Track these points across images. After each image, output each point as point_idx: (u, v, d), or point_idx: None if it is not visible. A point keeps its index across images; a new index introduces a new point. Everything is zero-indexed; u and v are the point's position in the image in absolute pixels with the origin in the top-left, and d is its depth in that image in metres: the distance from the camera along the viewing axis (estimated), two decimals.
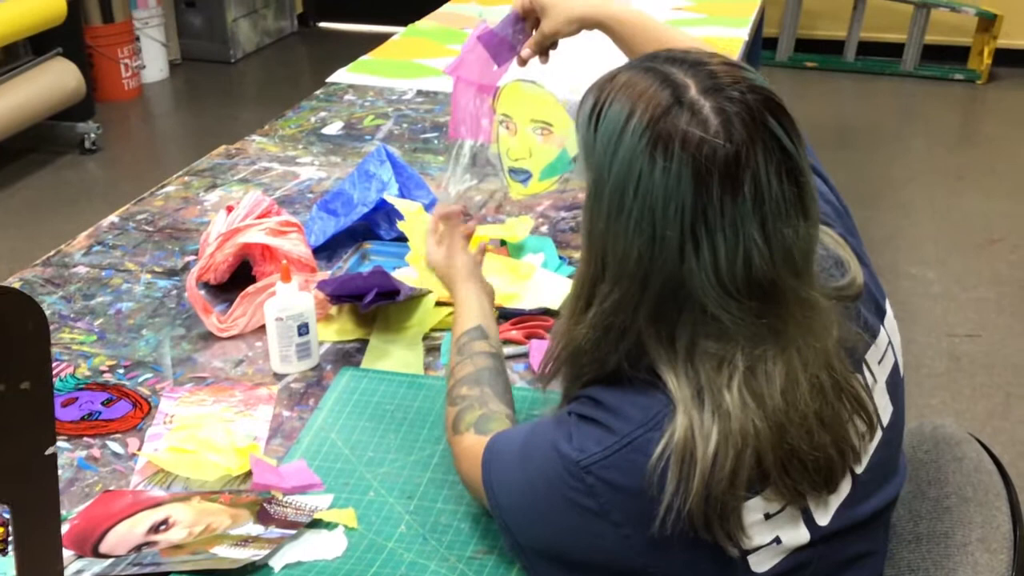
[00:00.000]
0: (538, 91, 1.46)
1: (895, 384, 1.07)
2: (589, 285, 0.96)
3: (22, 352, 0.65)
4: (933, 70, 5.51)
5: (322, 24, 6.69)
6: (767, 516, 0.93)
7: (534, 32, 1.55)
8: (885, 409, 1.04)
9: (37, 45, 4.48)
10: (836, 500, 0.97)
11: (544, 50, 1.56)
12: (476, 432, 1.12)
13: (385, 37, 3.17)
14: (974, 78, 5.44)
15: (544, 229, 1.84)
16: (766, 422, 0.89)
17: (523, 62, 1.57)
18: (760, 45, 4.21)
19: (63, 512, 1.19)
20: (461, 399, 1.16)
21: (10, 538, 1.15)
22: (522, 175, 1.40)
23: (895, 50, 5.57)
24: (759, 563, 0.94)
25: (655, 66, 0.93)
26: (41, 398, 0.67)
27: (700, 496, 0.88)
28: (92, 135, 4.62)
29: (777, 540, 0.94)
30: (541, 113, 1.41)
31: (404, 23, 3.32)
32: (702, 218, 0.87)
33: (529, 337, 1.52)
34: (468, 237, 1.41)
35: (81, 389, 1.43)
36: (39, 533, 0.72)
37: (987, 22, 5.37)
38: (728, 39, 3.08)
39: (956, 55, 5.57)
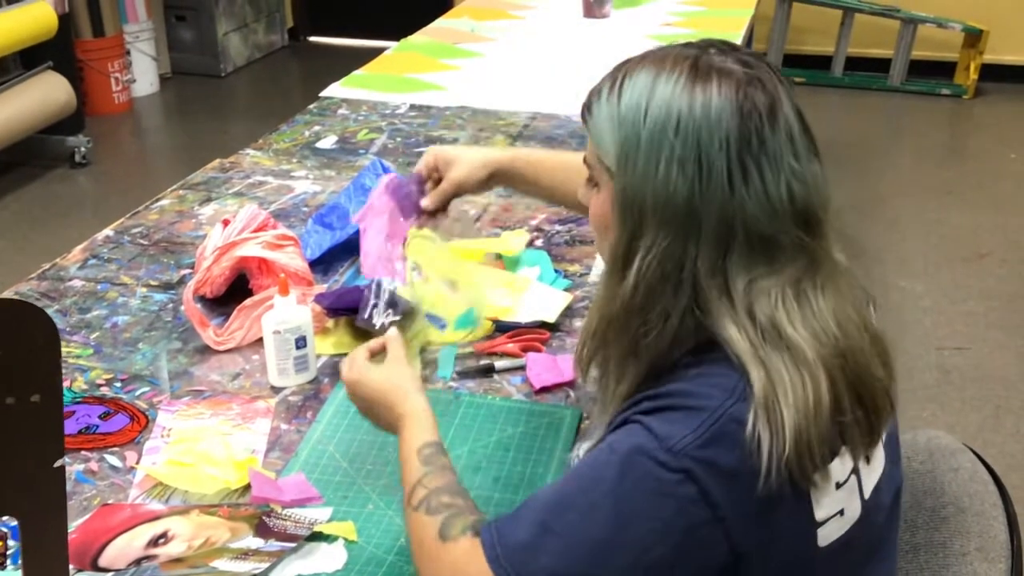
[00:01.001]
0: (440, 246, 1.50)
1: None
2: (625, 245, 0.96)
3: (32, 364, 0.65)
4: (920, 85, 5.55)
5: (312, 38, 6.70)
6: (838, 485, 0.94)
7: (441, 183, 1.57)
8: None
9: (28, 59, 4.48)
10: (875, 474, 1.00)
11: (447, 201, 1.58)
12: (475, 535, 0.98)
13: (376, 51, 3.18)
14: (961, 93, 5.49)
15: (539, 243, 1.85)
16: (831, 349, 0.92)
17: (428, 214, 1.58)
18: None
19: (67, 536, 1.19)
20: (444, 507, 1.02)
21: (9, 552, 1.16)
22: (439, 322, 1.42)
23: (882, 65, 5.61)
24: (824, 536, 0.94)
25: (667, 48, 0.99)
26: (50, 410, 0.67)
27: (793, 437, 0.88)
28: (82, 149, 4.62)
29: (841, 512, 0.95)
30: (446, 269, 1.44)
31: (395, 37, 3.33)
32: (747, 147, 0.92)
33: (525, 350, 1.53)
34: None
35: (78, 403, 1.42)
36: (46, 546, 0.72)
37: (973, 37, 5.42)
38: None
39: (943, 70, 5.61)
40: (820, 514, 0.93)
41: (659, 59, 0.97)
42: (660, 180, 0.93)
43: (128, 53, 5.37)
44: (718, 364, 0.93)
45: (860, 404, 0.94)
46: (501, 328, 1.57)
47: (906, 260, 3.77)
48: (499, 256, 1.76)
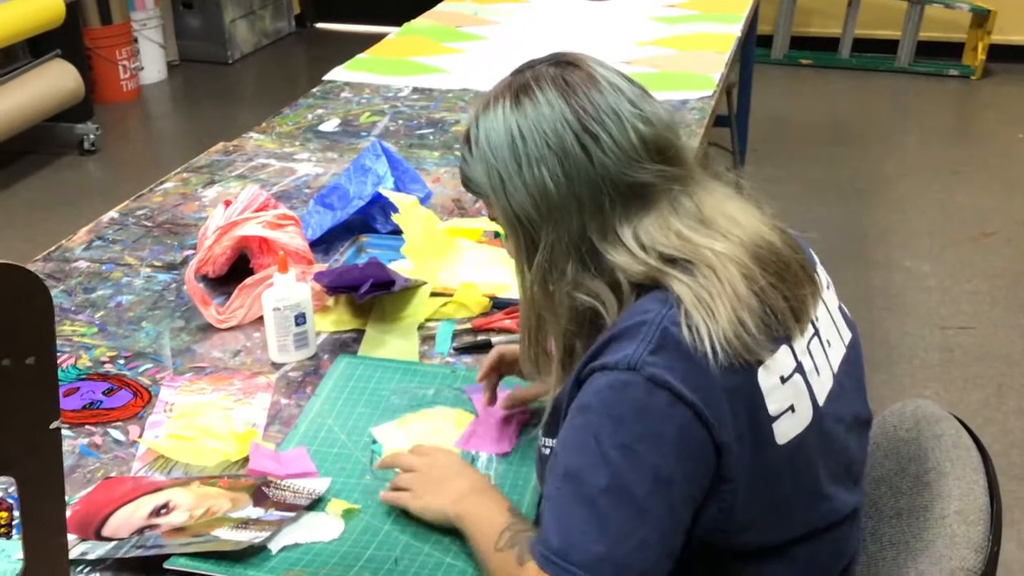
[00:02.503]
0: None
1: (847, 316, 1.20)
2: (527, 249, 1.08)
3: (27, 328, 0.67)
4: (928, 66, 5.54)
5: (319, 25, 6.71)
6: (783, 379, 1.02)
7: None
8: (845, 333, 1.18)
9: (36, 47, 4.51)
10: (825, 385, 1.08)
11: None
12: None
13: (382, 37, 3.20)
14: (968, 74, 5.47)
15: None
16: (733, 240, 1.04)
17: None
18: (754, 42, 4.24)
19: (66, 498, 1.21)
20: (518, 541, 1.06)
21: (15, 522, 1.19)
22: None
23: (890, 46, 5.59)
24: (781, 434, 1.02)
25: (489, 90, 1.13)
26: (46, 373, 0.70)
27: (727, 317, 0.98)
28: (91, 136, 4.65)
29: (792, 409, 1.03)
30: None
31: (401, 23, 3.34)
32: (585, 114, 1.04)
33: None
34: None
35: (83, 379, 1.45)
36: (45, 504, 0.75)
37: (981, 18, 5.40)
38: (721, 35, 3.11)
39: (950, 51, 5.59)
40: (772, 407, 1.01)
41: (486, 101, 1.11)
42: (532, 184, 1.05)
43: (136, 41, 5.40)
44: (644, 296, 1.04)
45: (780, 280, 1.04)
46: (498, 305, 1.59)
47: (911, 240, 3.77)
48: (497, 235, 1.78)
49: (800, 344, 1.06)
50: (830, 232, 3.82)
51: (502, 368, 1.36)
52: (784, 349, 1.03)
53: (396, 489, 1.19)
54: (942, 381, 2.96)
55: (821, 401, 1.07)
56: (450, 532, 1.14)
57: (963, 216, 3.96)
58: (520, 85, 1.08)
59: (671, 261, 1.03)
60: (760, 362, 1.00)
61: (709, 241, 1.03)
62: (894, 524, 1.11)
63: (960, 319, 3.27)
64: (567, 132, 1.04)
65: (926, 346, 3.11)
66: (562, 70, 1.08)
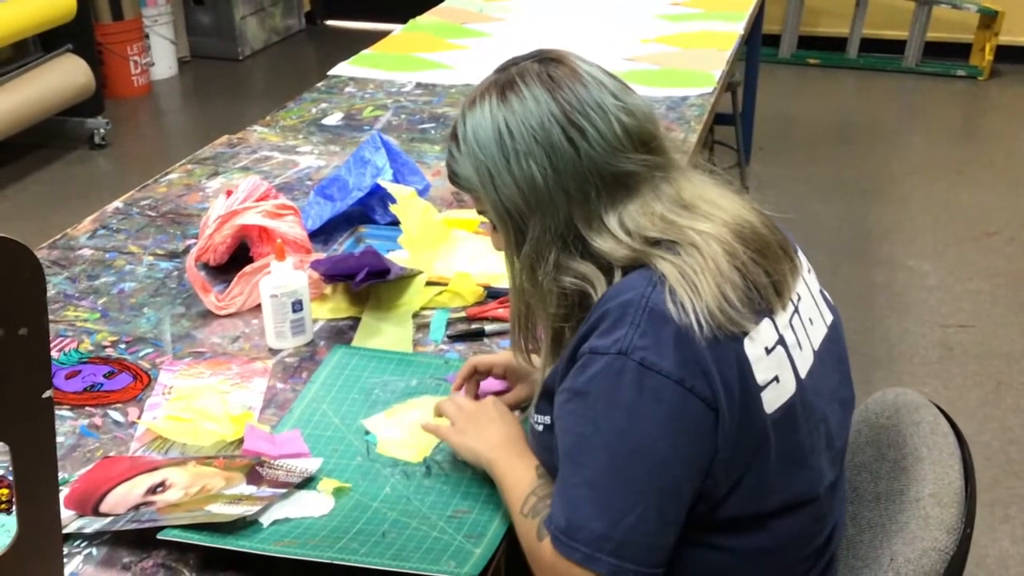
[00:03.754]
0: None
1: (828, 301, 1.23)
2: (515, 240, 1.12)
3: (19, 299, 0.70)
4: (935, 66, 5.54)
5: (329, 22, 6.75)
6: (767, 351, 1.06)
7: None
8: (827, 315, 1.21)
9: (47, 42, 4.55)
10: (807, 360, 1.12)
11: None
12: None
13: (390, 35, 3.23)
14: (976, 74, 5.47)
15: None
16: (715, 221, 1.07)
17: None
18: (759, 41, 4.25)
19: (65, 476, 1.25)
20: (540, 511, 1.10)
21: (15, 498, 1.22)
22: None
23: (897, 47, 5.60)
24: (769, 403, 1.05)
25: (476, 87, 1.16)
26: (38, 343, 0.73)
27: (711, 292, 1.02)
28: (102, 131, 4.69)
29: (777, 379, 1.06)
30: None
31: (407, 21, 3.37)
32: (571, 108, 1.08)
33: None
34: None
35: (84, 363, 1.48)
36: (37, 472, 0.78)
37: (988, 19, 5.40)
38: (724, 33, 3.13)
39: (958, 52, 5.60)
40: (760, 377, 1.05)
41: (472, 98, 1.14)
42: (520, 177, 1.09)
43: (147, 36, 5.44)
44: (629, 276, 1.08)
45: (761, 256, 1.08)
46: (492, 294, 1.62)
47: (915, 239, 3.79)
48: (494, 226, 1.80)
49: (782, 319, 1.09)
50: (834, 230, 3.84)
51: (477, 376, 1.38)
52: (767, 322, 1.07)
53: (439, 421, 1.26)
54: (941, 378, 2.97)
55: (803, 374, 1.10)
56: (438, 510, 1.17)
57: (966, 215, 3.97)
58: (506, 82, 1.11)
59: (655, 243, 1.07)
60: (745, 333, 1.04)
61: (691, 222, 1.07)
62: (872, 508, 1.13)
63: (961, 317, 3.28)
64: (554, 126, 1.07)
65: (926, 344, 3.13)
66: (546, 66, 1.11)
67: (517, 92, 1.10)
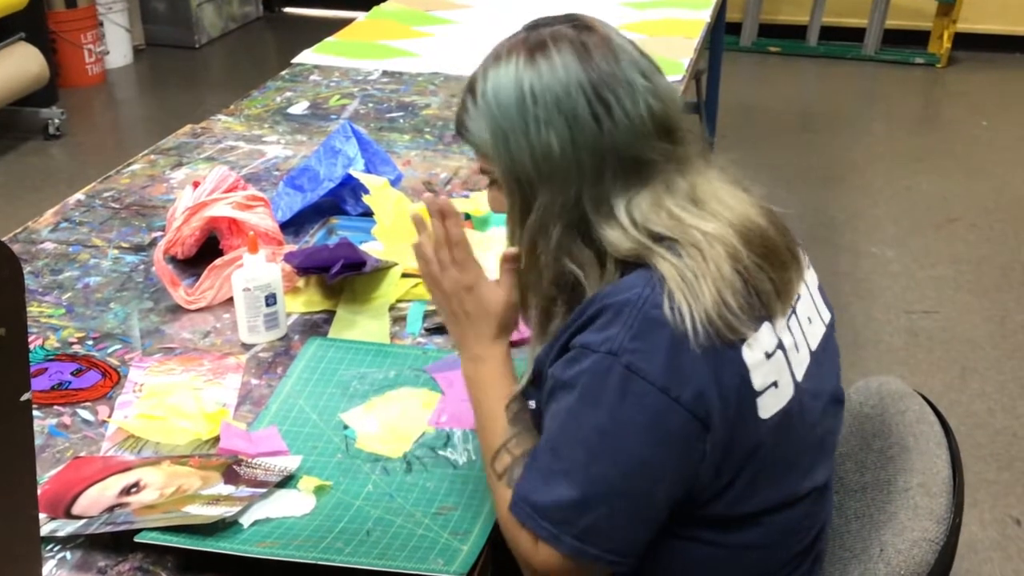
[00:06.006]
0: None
1: (826, 298, 1.21)
2: (520, 212, 1.08)
3: None
4: (894, 54, 5.59)
5: (287, 9, 6.66)
6: (767, 355, 1.03)
7: None
8: (824, 313, 1.19)
9: None
10: (803, 361, 1.10)
11: None
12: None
13: (350, 22, 3.18)
14: (934, 62, 5.52)
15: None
16: (722, 222, 1.04)
17: None
18: (723, 30, 4.25)
19: (36, 470, 1.21)
20: (513, 478, 1.10)
21: None
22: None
23: (857, 34, 5.64)
24: (765, 408, 1.03)
25: (502, 42, 1.10)
26: (16, 344, 0.69)
27: (710, 297, 0.99)
28: (56, 121, 4.59)
29: (775, 384, 1.04)
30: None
31: (368, 9, 3.32)
32: (601, 83, 1.03)
33: None
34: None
35: (51, 360, 1.44)
36: (16, 477, 0.74)
37: (946, 7, 5.45)
38: (690, 21, 3.13)
39: (916, 39, 5.65)
40: (757, 383, 1.02)
41: (497, 53, 1.09)
42: (537, 146, 1.04)
43: (101, 24, 5.33)
44: (630, 273, 1.04)
45: (766, 261, 1.05)
46: None
47: (877, 226, 3.81)
48: (468, 216, 1.78)
49: (781, 322, 1.07)
50: (797, 218, 3.85)
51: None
52: (766, 327, 1.05)
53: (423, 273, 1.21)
54: (907, 364, 3.00)
55: (800, 378, 1.09)
56: (422, 507, 1.15)
57: (928, 202, 4.01)
58: (536, 43, 1.06)
59: (659, 239, 1.03)
60: (743, 339, 1.01)
61: (698, 221, 1.04)
62: (859, 498, 1.13)
63: (925, 303, 3.32)
64: (580, 97, 1.03)
65: (891, 330, 3.15)
66: (580, 33, 1.06)
67: (547, 56, 1.05)
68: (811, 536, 1.13)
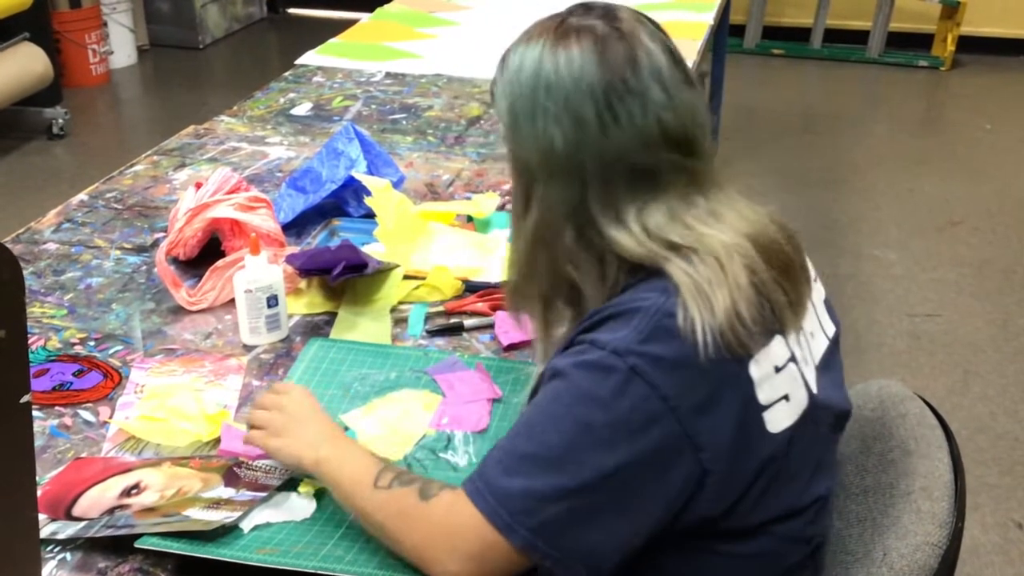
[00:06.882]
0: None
1: (831, 311, 1.20)
2: (522, 200, 1.08)
3: None
4: (898, 57, 5.58)
5: (291, 10, 6.67)
6: (777, 369, 1.02)
7: None
8: (828, 326, 1.17)
9: (3, 30, 4.44)
10: (812, 374, 1.08)
11: None
12: (453, 489, 1.04)
13: (354, 23, 3.19)
14: (938, 65, 5.52)
15: (510, 206, 1.87)
16: (738, 235, 1.03)
17: None
18: (727, 32, 4.25)
19: (36, 471, 1.21)
20: (416, 479, 1.07)
21: None
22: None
23: (861, 37, 5.64)
24: (773, 421, 1.01)
25: (540, 20, 1.09)
26: (16, 346, 0.69)
27: (724, 310, 0.97)
28: (60, 120, 4.60)
29: (787, 397, 1.02)
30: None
31: (372, 10, 3.33)
32: (613, 93, 1.01)
33: (494, 309, 1.55)
34: None
35: (52, 361, 1.44)
36: (16, 478, 0.74)
37: (950, 10, 5.45)
38: (694, 24, 3.12)
39: (920, 42, 5.64)
40: (763, 397, 1.00)
41: (529, 31, 1.08)
42: (541, 139, 1.04)
43: (105, 25, 5.34)
44: (646, 281, 1.03)
45: (783, 276, 1.04)
46: (471, 288, 1.60)
47: (880, 229, 3.81)
48: (470, 218, 1.78)
49: (793, 336, 1.06)
50: (799, 221, 3.85)
51: None
52: (778, 339, 1.03)
53: (253, 429, 1.19)
54: (909, 368, 2.99)
55: (815, 388, 1.07)
56: None
57: (930, 205, 4.01)
58: (564, 31, 1.05)
59: (675, 247, 1.02)
60: (750, 355, 0.99)
61: (717, 232, 1.03)
62: (860, 501, 1.13)
63: (927, 307, 3.31)
64: (587, 101, 1.02)
65: (894, 333, 3.15)
66: (607, 32, 1.03)
67: (568, 48, 1.03)
68: (814, 544, 1.12)
